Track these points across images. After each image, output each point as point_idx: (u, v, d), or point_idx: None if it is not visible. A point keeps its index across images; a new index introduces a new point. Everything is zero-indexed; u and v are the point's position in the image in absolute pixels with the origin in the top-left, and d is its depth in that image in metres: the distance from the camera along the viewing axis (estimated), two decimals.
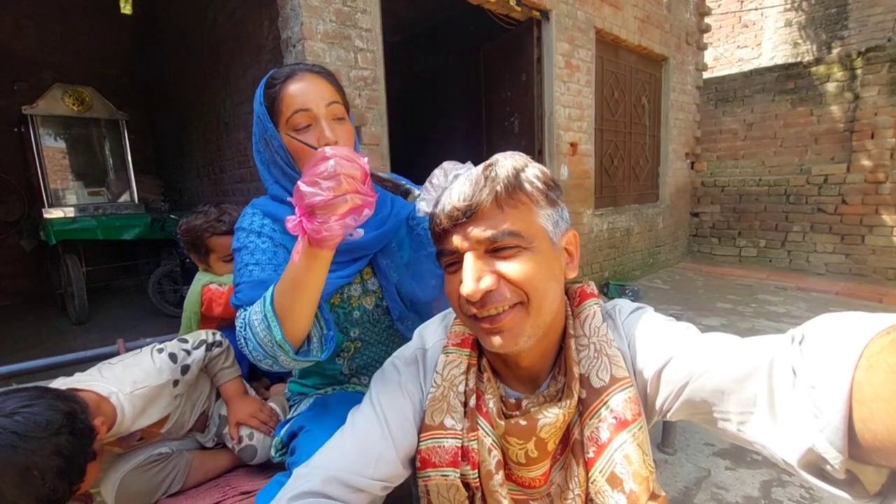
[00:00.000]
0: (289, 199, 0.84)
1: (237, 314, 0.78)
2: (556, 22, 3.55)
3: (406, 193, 0.62)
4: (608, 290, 4.19)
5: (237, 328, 0.74)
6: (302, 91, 0.80)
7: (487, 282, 0.55)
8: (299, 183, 0.57)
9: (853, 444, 0.37)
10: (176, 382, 0.92)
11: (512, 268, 0.55)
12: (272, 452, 0.91)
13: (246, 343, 0.72)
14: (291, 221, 0.59)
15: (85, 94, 4.40)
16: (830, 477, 0.41)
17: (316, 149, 0.63)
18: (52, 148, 4.39)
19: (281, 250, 0.83)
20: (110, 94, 4.74)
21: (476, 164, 0.62)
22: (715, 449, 1.92)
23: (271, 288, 0.69)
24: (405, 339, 0.92)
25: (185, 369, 0.94)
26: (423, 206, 0.63)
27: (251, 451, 0.99)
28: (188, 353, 0.96)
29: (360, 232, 0.61)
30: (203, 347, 0.99)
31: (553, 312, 0.60)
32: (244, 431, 1.00)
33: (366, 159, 0.59)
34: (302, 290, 0.65)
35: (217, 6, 3.49)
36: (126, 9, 4.82)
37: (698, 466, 1.81)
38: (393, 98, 2.94)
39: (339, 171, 0.55)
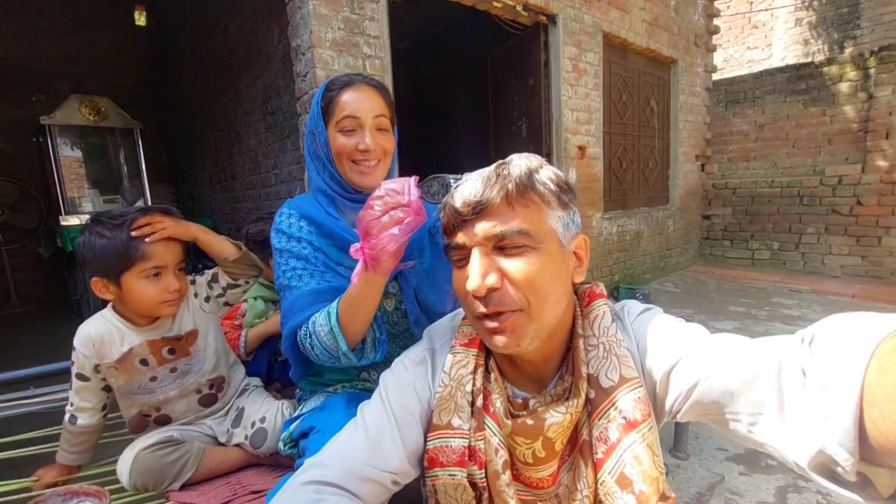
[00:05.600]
0: (329, 191, 0.94)
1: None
2: (563, 26, 3.56)
3: (447, 187, 0.70)
4: (618, 294, 4.15)
5: (299, 335, 0.83)
6: (355, 99, 0.90)
7: (492, 279, 0.55)
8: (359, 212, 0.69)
9: (864, 446, 0.37)
10: (207, 299, 1.09)
11: (517, 266, 0.56)
12: (281, 446, 0.94)
13: (312, 348, 0.82)
14: (354, 247, 0.71)
15: (101, 104, 4.50)
16: (842, 479, 0.40)
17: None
18: (68, 157, 4.48)
19: (321, 254, 0.91)
20: (125, 103, 4.83)
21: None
22: (728, 454, 1.89)
23: (336, 304, 0.79)
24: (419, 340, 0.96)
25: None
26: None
27: (262, 435, 1.01)
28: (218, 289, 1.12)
29: (411, 263, 0.72)
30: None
31: (557, 315, 0.60)
32: (257, 416, 1.05)
33: (413, 180, 0.69)
34: (361, 307, 0.77)
35: (228, 17, 3.56)
36: (140, 21, 4.92)
37: (712, 472, 1.78)
38: (401, 104, 2.97)
39: (383, 193, 0.66)
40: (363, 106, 0.89)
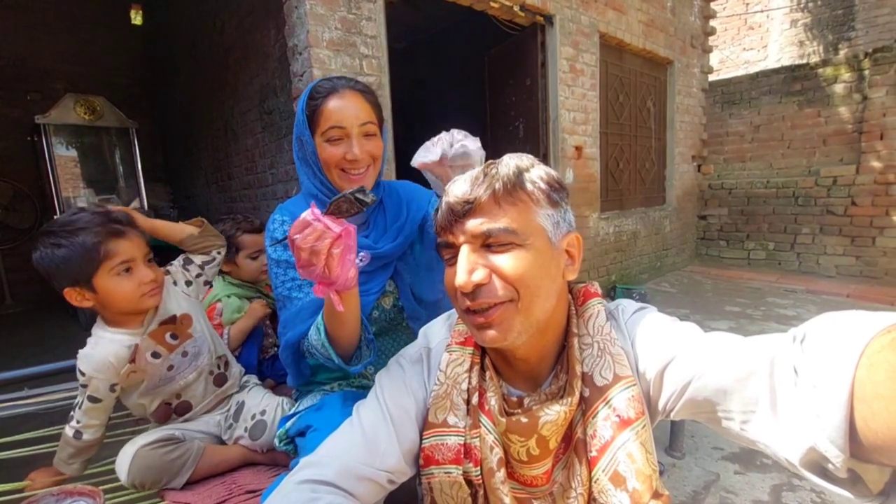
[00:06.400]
0: (321, 196, 0.94)
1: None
2: (560, 27, 3.57)
3: (361, 203, 0.64)
4: (615, 294, 4.16)
5: (304, 345, 0.85)
6: (340, 108, 0.88)
7: (479, 275, 0.56)
8: (297, 268, 0.65)
9: (855, 442, 0.37)
10: (188, 283, 1.11)
11: (504, 262, 0.57)
12: (276, 442, 0.94)
13: (316, 357, 0.84)
14: (316, 291, 0.68)
15: (96, 103, 4.48)
16: (833, 476, 0.41)
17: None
18: (63, 156, 4.46)
19: None
20: (121, 103, 4.82)
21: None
22: (724, 453, 1.90)
23: (321, 319, 0.79)
24: (415, 333, 0.97)
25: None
26: (419, 158, 0.66)
27: (261, 427, 1.03)
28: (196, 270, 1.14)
29: (367, 256, 0.71)
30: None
31: (547, 311, 0.60)
32: (257, 409, 1.07)
33: (310, 210, 0.63)
34: (345, 322, 0.76)
35: (225, 16, 3.55)
36: (136, 20, 4.90)
37: (707, 470, 1.79)
38: (397, 104, 2.97)
39: (305, 244, 0.61)
40: (348, 114, 0.88)
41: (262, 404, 1.09)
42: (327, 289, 0.66)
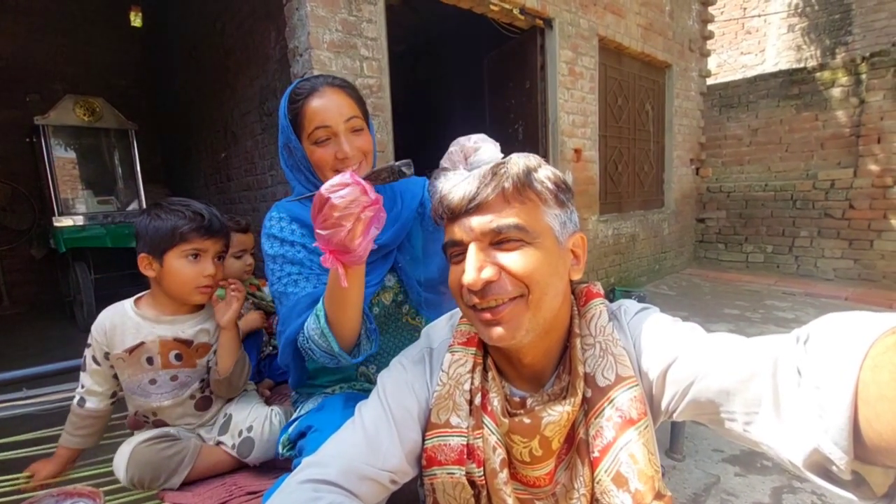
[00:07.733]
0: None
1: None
2: (559, 30, 3.58)
3: (401, 174, 0.66)
4: (614, 296, 4.17)
5: (299, 341, 0.83)
6: (323, 108, 0.86)
7: (489, 272, 0.56)
8: (317, 230, 0.64)
9: (859, 444, 0.37)
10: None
11: (514, 260, 0.56)
12: (280, 449, 0.92)
13: (312, 353, 0.81)
14: (325, 260, 0.66)
15: (95, 104, 4.47)
16: (836, 478, 0.40)
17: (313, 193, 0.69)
18: (62, 158, 4.44)
19: (315, 256, 0.89)
20: (120, 104, 4.81)
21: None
22: (724, 455, 1.90)
23: (321, 305, 0.77)
24: (415, 326, 1.00)
25: None
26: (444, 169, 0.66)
27: (249, 445, 1.01)
28: None
29: (376, 233, 0.69)
30: None
31: (554, 310, 0.60)
32: (244, 425, 1.03)
33: (349, 172, 0.64)
34: (347, 304, 0.75)
35: (225, 18, 3.56)
36: (136, 21, 4.91)
37: (707, 473, 1.79)
38: (397, 106, 2.98)
39: (342, 203, 0.61)
40: (332, 114, 0.85)
41: (250, 419, 1.04)
42: (337, 260, 0.65)
